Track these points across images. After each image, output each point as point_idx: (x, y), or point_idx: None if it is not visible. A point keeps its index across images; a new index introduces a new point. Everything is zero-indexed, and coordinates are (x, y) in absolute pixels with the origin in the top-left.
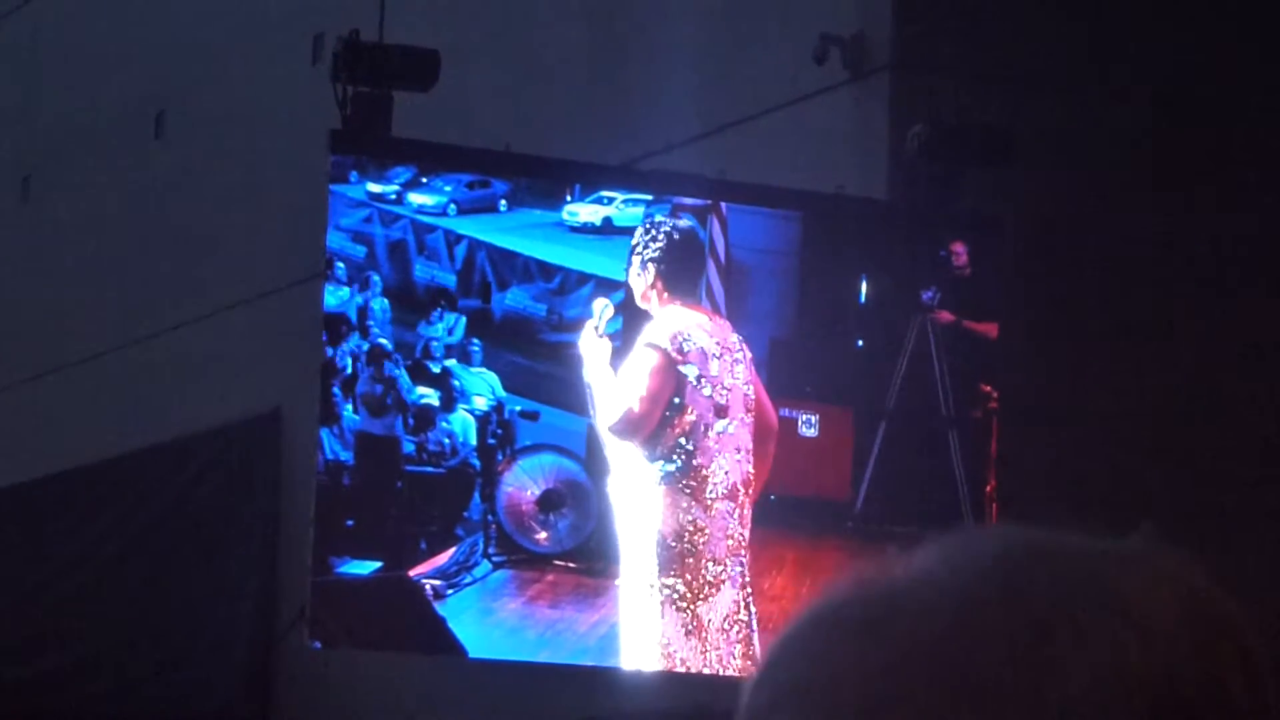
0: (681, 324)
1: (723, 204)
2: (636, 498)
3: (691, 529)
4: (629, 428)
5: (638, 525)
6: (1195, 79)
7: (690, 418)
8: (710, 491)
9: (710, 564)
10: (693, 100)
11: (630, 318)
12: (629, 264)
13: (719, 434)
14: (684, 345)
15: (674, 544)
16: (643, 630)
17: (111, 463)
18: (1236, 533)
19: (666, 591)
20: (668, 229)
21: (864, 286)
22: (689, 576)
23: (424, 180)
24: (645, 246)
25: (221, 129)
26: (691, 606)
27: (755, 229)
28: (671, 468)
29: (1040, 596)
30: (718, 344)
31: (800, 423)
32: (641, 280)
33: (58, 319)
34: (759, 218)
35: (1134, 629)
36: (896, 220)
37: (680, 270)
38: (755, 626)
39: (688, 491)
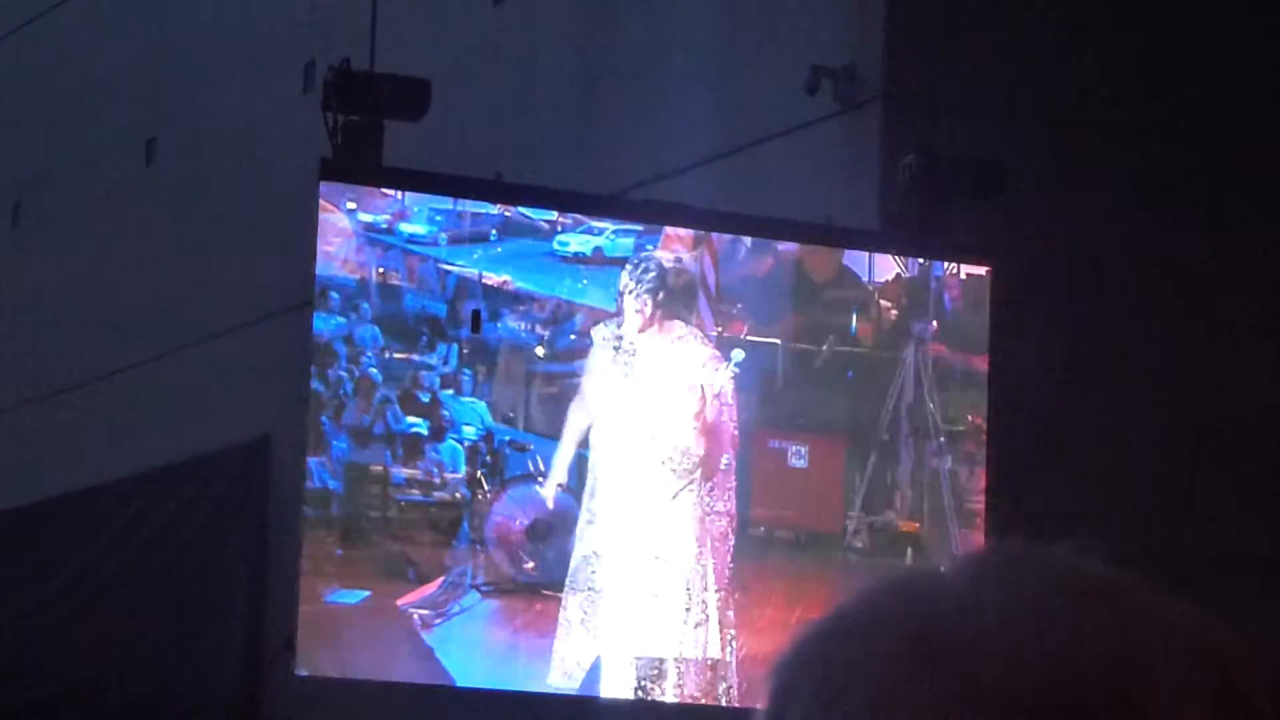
0: (707, 358)
1: (714, 234)
2: (642, 520)
3: (696, 556)
4: (695, 468)
5: (639, 546)
6: (1185, 111)
7: (717, 448)
8: (716, 522)
9: (705, 592)
10: (684, 131)
11: (638, 349)
12: (627, 296)
13: (725, 467)
14: (717, 380)
15: (677, 567)
16: (629, 653)
17: (99, 489)
18: (1238, 573)
19: (661, 613)
20: (656, 262)
21: (855, 318)
22: (685, 601)
23: (415, 209)
24: (638, 281)
25: (212, 157)
26: (681, 632)
27: (746, 259)
28: (690, 494)
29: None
30: (733, 383)
31: (790, 454)
32: (642, 315)
33: (47, 345)
34: (750, 248)
35: None
36: (887, 251)
37: (674, 302)
38: (734, 658)
39: (697, 519)
